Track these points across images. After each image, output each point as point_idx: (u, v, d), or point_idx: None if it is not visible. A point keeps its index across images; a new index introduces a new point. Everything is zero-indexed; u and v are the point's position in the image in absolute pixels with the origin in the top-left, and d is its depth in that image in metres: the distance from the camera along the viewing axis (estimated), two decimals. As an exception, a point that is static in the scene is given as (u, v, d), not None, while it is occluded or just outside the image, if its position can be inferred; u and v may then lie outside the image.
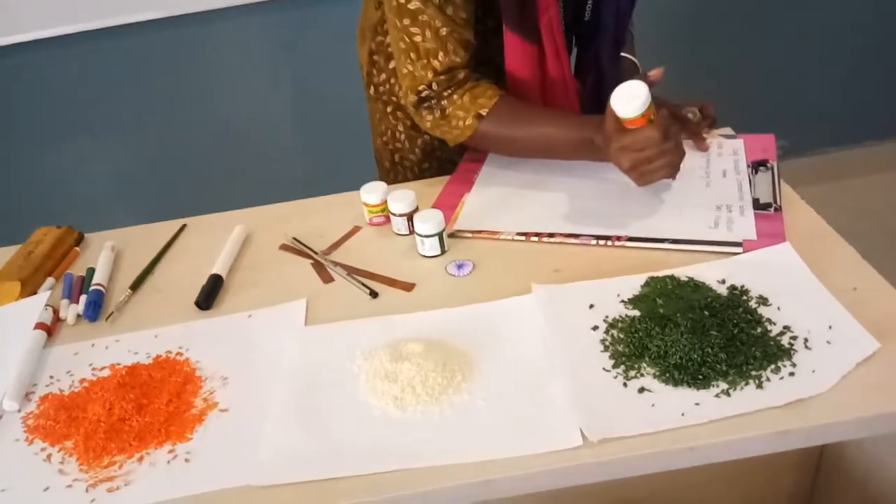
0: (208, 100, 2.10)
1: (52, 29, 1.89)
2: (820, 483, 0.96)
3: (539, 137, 0.98)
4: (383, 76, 1.15)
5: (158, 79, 2.05)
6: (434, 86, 0.98)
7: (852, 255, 0.84)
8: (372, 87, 1.18)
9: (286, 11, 1.98)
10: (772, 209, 0.93)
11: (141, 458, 0.71)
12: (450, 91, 0.99)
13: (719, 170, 1.03)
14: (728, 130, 1.13)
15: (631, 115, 0.85)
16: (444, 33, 0.95)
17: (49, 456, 0.72)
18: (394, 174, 1.22)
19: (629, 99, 0.85)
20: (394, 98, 1.16)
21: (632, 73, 1.18)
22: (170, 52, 2.01)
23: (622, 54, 1.15)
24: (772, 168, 1.01)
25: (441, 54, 0.96)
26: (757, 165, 1.02)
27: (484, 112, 0.98)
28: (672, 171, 0.90)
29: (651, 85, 0.86)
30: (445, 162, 1.16)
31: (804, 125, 2.32)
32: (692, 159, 1.06)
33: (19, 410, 0.78)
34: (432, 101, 1.00)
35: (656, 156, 0.87)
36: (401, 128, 1.16)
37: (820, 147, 2.41)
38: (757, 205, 0.94)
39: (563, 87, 1.04)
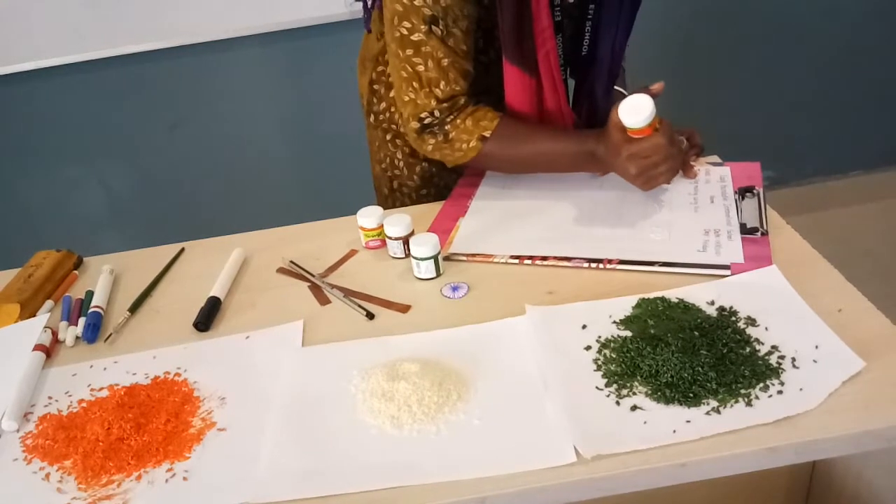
0: (207, 127, 2.14)
1: (55, 58, 1.93)
2: (812, 503, 0.97)
3: (541, 154, 1.03)
4: (383, 105, 1.18)
5: (160, 107, 2.09)
6: (437, 112, 1.02)
7: (837, 278, 0.87)
8: (372, 116, 1.21)
9: (286, 42, 2.03)
10: (758, 233, 0.95)
11: (139, 477, 0.71)
12: (452, 116, 1.03)
13: (707, 196, 1.06)
14: (715, 158, 1.16)
15: (639, 126, 0.92)
16: (445, 64, 1.00)
17: (47, 475, 0.73)
18: (392, 200, 1.24)
19: (637, 111, 0.92)
20: (393, 126, 1.19)
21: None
22: (172, 81, 2.05)
23: (615, 87, 1.18)
24: (758, 194, 1.04)
25: (443, 83, 1.01)
26: (743, 192, 1.05)
27: (487, 134, 1.02)
28: (673, 174, 0.98)
29: (653, 97, 0.93)
30: (443, 189, 1.19)
31: (790, 156, 2.37)
32: (680, 185, 1.09)
33: (18, 430, 0.79)
34: (435, 127, 1.04)
35: (662, 161, 0.95)
36: (399, 155, 1.19)
37: (806, 177, 2.46)
38: (744, 229, 0.96)
39: (560, 118, 1.08)
